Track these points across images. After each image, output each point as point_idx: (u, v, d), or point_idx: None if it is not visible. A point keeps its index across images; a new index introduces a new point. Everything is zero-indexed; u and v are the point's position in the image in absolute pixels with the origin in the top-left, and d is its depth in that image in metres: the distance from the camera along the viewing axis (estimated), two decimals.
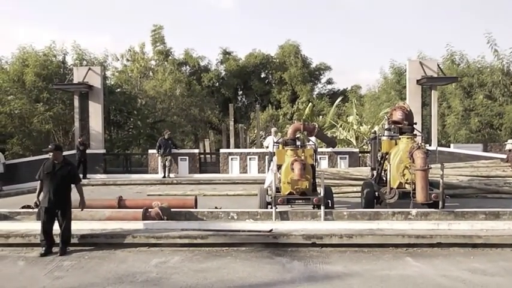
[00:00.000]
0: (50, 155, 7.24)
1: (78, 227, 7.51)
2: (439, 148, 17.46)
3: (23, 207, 9.83)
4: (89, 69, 19.77)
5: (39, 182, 7.16)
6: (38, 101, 22.59)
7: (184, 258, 6.67)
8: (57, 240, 7.06)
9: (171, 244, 7.24)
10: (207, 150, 24.08)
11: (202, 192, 12.91)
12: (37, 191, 7.23)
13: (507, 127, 22.32)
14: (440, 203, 9.05)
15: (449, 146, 20.11)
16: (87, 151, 17.71)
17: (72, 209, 7.33)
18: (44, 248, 6.91)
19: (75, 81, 19.53)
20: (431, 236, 7.38)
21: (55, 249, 6.98)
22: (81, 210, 7.55)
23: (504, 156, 15.69)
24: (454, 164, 14.52)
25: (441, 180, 9.25)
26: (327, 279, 5.73)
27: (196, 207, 9.44)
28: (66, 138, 23.37)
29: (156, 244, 7.25)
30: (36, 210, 8.25)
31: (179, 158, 17.86)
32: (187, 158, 18.49)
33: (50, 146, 7.43)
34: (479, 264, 6.37)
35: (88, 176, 16.51)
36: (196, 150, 21.56)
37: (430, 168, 9.16)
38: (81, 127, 19.70)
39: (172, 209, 8.90)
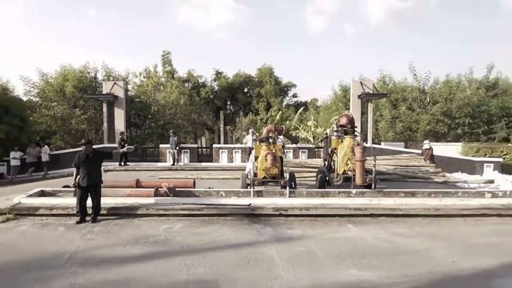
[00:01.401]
0: (83, 148, 7.09)
1: (105, 201, 7.38)
2: (373, 145, 17.72)
3: (63, 187, 9.58)
4: (115, 83, 19.36)
5: (75, 168, 7.01)
6: (76, 106, 22.20)
7: (185, 225, 6.63)
8: (89, 211, 6.96)
9: (175, 214, 7.18)
10: (204, 145, 23.96)
11: (199, 176, 12.81)
12: (74, 175, 7.07)
13: (421, 130, 22.79)
14: (373, 185, 9.20)
15: (380, 144, 20.42)
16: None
17: (101, 188, 7.24)
18: (79, 217, 6.80)
19: (104, 92, 19.13)
20: (366, 208, 7.52)
21: (87, 218, 6.86)
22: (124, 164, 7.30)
23: (420, 151, 16.06)
24: (383, 156, 14.76)
25: (374, 169, 9.41)
26: (290, 240, 5.80)
27: (194, 187, 9.36)
28: (97, 135, 22.89)
29: (164, 214, 7.19)
30: (73, 189, 8.08)
31: (183, 151, 17.68)
32: (188, 151, 18.33)
33: (83, 141, 7.31)
34: (400, 229, 6.51)
35: (112, 164, 16.15)
36: (195, 145, 21.47)
37: (366, 159, 9.29)
38: (108, 127, 19.31)
39: (176, 189, 8.82)
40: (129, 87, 27.05)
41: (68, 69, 22.96)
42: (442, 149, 18.38)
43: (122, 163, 16.17)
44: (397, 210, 7.48)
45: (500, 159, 16.62)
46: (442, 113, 22.44)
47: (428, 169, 13.79)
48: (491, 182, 13.01)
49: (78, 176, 6.92)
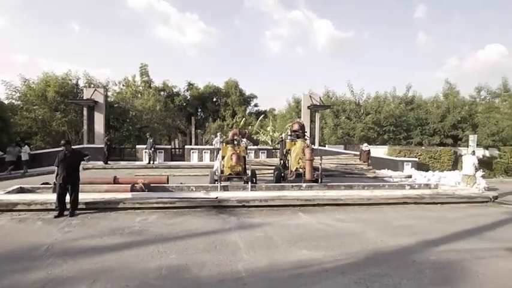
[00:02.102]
0: (63, 148, 6.53)
1: (83, 197, 6.85)
2: (319, 147, 18.28)
3: (42, 184, 8.79)
4: (95, 90, 18.19)
5: (56, 167, 6.44)
6: (57, 110, 20.50)
7: (159, 216, 6.35)
8: (68, 206, 6.41)
9: (150, 208, 6.84)
10: (177, 146, 23.23)
11: (172, 173, 12.39)
12: (55, 173, 6.47)
13: (357, 136, 23.79)
14: (319, 180, 9.47)
15: (325, 146, 21.11)
16: (93, 146, 16.26)
17: (80, 185, 6.70)
18: (57, 212, 6.23)
19: (84, 98, 17.89)
20: (313, 199, 7.67)
21: (65, 213, 6.31)
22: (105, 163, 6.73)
23: (357, 153, 16.81)
24: (328, 156, 15.28)
25: (320, 166, 9.69)
26: (251, 227, 5.76)
27: (168, 183, 9.03)
28: (77, 136, 21.27)
29: (139, 208, 6.81)
30: (52, 186, 7.42)
31: (158, 151, 17.02)
32: (163, 151, 17.70)
33: (62, 141, 6.72)
34: (341, 216, 6.73)
35: (92, 163, 15.09)
36: (169, 146, 20.81)
37: (314, 159, 9.55)
38: (88, 129, 18.06)
39: (151, 184, 8.45)
40: (109, 94, 25.55)
41: (51, 76, 21.21)
42: (373, 151, 19.40)
43: (105, 162, 15.26)
44: (339, 200, 7.72)
45: (416, 159, 17.93)
46: (373, 122, 23.65)
47: (362, 166, 14.48)
48: (410, 176, 13.97)
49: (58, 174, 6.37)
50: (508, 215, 7.22)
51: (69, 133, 21.16)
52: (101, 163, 15.26)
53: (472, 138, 17.67)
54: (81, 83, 22.75)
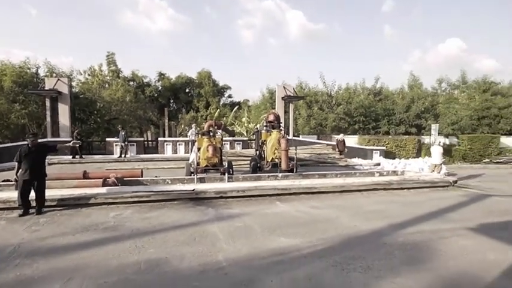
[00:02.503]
0: (28, 141, 6.05)
1: (51, 193, 6.47)
2: (294, 137, 18.60)
3: (3, 181, 8.17)
4: (58, 79, 16.98)
5: (16, 162, 5.99)
6: (15, 101, 18.93)
7: (134, 211, 6.17)
8: (33, 204, 6.02)
9: (124, 202, 6.63)
10: (149, 139, 22.53)
11: (146, 167, 12.03)
12: (16, 169, 6.04)
13: (329, 126, 24.40)
14: (295, 169, 9.68)
15: (299, 136, 21.48)
16: (56, 139, 15.32)
17: (46, 181, 6.30)
18: (22, 210, 5.84)
19: (46, 88, 16.64)
20: (290, 188, 7.84)
21: (31, 211, 5.94)
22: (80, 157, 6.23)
23: (330, 143, 17.29)
24: (302, 146, 15.62)
25: (295, 156, 9.90)
26: (229, 217, 5.78)
27: (142, 177, 8.77)
28: (39, 130, 19.88)
29: (113, 203, 6.58)
30: (14, 183, 6.92)
31: (129, 144, 16.40)
32: (135, 144, 17.10)
33: (29, 135, 6.22)
34: (316, 203, 6.95)
35: (58, 157, 14.23)
36: (142, 139, 20.13)
37: (289, 149, 9.72)
38: (52, 122, 16.92)
39: (124, 178, 8.16)
40: (74, 84, 23.97)
41: (6, 64, 19.48)
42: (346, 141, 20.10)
43: (78, 156, 14.51)
44: (313, 189, 7.95)
45: (384, 148, 18.85)
46: (344, 112, 24.36)
47: (335, 156, 14.97)
48: (378, 164, 14.66)
49: (20, 170, 5.94)
50: (467, 197, 7.87)
51: (31, 126, 19.73)
52: (67, 157, 14.46)
53: (434, 127, 18.87)
54: (41, 72, 21.19)
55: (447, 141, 22.41)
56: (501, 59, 62.50)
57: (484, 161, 18.91)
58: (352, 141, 20.62)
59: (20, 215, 5.75)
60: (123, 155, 15.11)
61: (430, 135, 19.65)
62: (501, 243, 4.51)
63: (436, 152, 11.13)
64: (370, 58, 75.70)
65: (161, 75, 35.35)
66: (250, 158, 11.66)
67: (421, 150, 20.41)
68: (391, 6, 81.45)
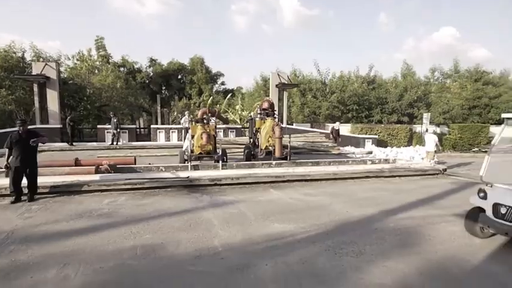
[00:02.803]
0: (18, 128, 5.91)
1: (42, 180, 6.41)
2: (288, 125, 18.62)
3: None
4: (46, 64, 16.46)
5: (7, 149, 5.87)
6: (1, 87, 18.34)
7: (128, 198, 6.18)
8: (25, 191, 5.96)
9: (118, 189, 6.63)
10: (141, 126, 22.29)
11: (138, 154, 11.92)
12: (6, 156, 5.92)
13: (322, 114, 24.45)
14: (288, 157, 9.75)
15: (292, 124, 21.51)
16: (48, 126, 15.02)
17: (38, 168, 6.21)
18: (14, 197, 5.78)
19: (34, 73, 16.13)
20: (283, 176, 7.93)
21: (23, 198, 5.89)
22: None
23: (323, 131, 17.36)
24: (295, 134, 15.67)
25: (289, 144, 9.95)
26: (224, 204, 5.84)
27: (135, 164, 8.73)
28: (27, 116, 19.40)
29: (107, 190, 6.57)
30: (5, 170, 6.80)
31: (121, 131, 16.19)
32: (127, 131, 16.87)
33: (18, 121, 6.06)
34: (309, 190, 7.06)
35: (47, 144, 13.95)
36: (134, 126, 19.86)
37: (283, 137, 9.76)
38: (40, 108, 16.52)
39: (117, 166, 8.11)
40: (62, 69, 23.32)
41: None
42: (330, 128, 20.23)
43: (70, 143, 14.32)
44: (307, 176, 8.06)
45: (376, 136, 19.05)
46: (338, 101, 24.39)
47: (328, 144, 15.10)
48: (370, 152, 14.85)
49: (11, 157, 5.84)
50: (455, 185, 8.09)
51: (18, 112, 19.25)
52: (58, 144, 14.23)
53: (426, 116, 19.10)
54: (27, 57, 20.53)
55: (438, 130, 22.75)
56: (493, 48, 63.02)
57: (473, 150, 19.34)
58: (345, 129, 20.73)
59: (12, 202, 5.70)
60: (115, 143, 14.94)
61: (422, 124, 19.91)
62: None
63: (431, 139, 11.26)
64: (365, 46, 75.43)
65: (152, 61, 34.71)
66: (244, 146, 11.66)
67: (412, 139, 20.69)
68: None
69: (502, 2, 65.69)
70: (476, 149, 19.43)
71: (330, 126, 20.69)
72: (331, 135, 16.19)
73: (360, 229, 4.57)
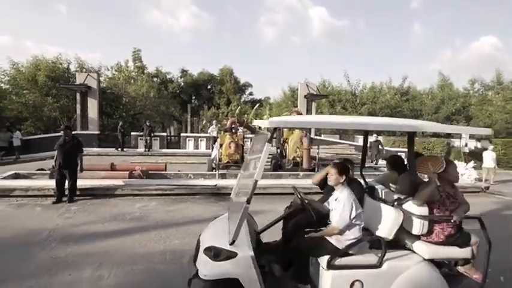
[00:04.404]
0: (62, 133, 6.43)
1: (81, 183, 6.82)
2: (316, 137, 18.41)
3: (38, 170, 8.71)
4: (88, 74, 17.82)
5: (56, 151, 6.34)
6: (48, 95, 20.10)
7: (159, 203, 6.39)
8: (66, 193, 6.38)
9: (149, 194, 6.89)
10: (172, 134, 23.16)
11: (169, 161, 12.35)
12: (54, 159, 6.40)
13: None
14: (316, 168, 9.59)
15: (321, 136, 21.23)
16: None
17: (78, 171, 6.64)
18: (56, 198, 6.21)
19: (77, 83, 17.52)
20: (311, 188, 7.73)
21: (64, 199, 6.29)
22: (81, 172, 6.62)
23: (353, 143, 16.87)
24: (323, 146, 15.43)
25: (317, 156, 9.81)
26: (251, 214, 5.83)
27: (166, 170, 9.05)
28: (69, 122, 20.95)
29: (139, 194, 6.86)
30: (48, 172, 7.36)
31: (153, 138, 16.92)
32: (158, 138, 17.61)
33: (62, 126, 6.59)
34: None
35: (86, 149, 14.85)
36: (164, 134, 20.68)
37: (311, 148, 9.66)
38: (81, 115, 17.77)
39: (149, 172, 8.46)
40: (101, 79, 25.07)
41: (40, 59, 20.68)
42: (369, 142, 19.62)
43: (119, 149, 15.71)
44: None
45: None
46: (368, 112, 23.83)
47: (357, 156, 14.65)
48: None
49: (55, 159, 6.31)
50: (499, 205, 7.47)
51: (61, 119, 20.84)
52: (96, 149, 15.17)
53: None
54: (72, 67, 22.31)
55: (479, 145, 21.30)
56: None
57: None
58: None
59: (54, 202, 6.12)
60: (147, 149, 15.63)
61: (461, 139, 18.77)
62: None
63: (489, 156, 11.36)
64: (398, 57, 73.11)
65: (183, 72, 36.19)
66: (271, 156, 11.67)
67: (449, 154, 19.52)
68: (420, 3, 78.20)
69: None
70: None
71: (359, 138, 20.08)
72: (370, 150, 13.60)
73: None
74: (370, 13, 75.36)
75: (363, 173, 3.69)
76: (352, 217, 2.45)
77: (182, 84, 35.72)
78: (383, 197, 3.17)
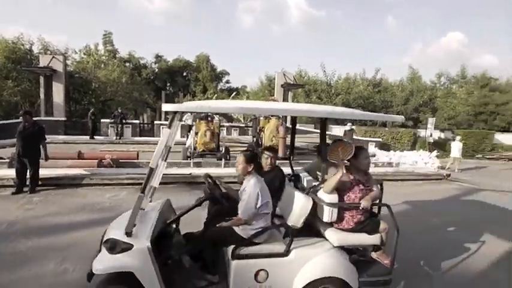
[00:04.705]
0: (21, 118, 5.91)
1: (44, 172, 6.38)
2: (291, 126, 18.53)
3: None
4: (53, 57, 16.53)
5: (16, 139, 5.83)
6: (8, 78, 18.48)
7: (130, 193, 6.15)
8: (27, 182, 5.95)
9: (120, 184, 6.61)
10: (145, 122, 22.41)
11: (141, 149, 11.91)
12: (15, 147, 5.90)
13: None
14: (292, 157, 9.67)
15: (296, 125, 21.46)
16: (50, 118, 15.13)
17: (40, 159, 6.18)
18: (16, 188, 5.77)
19: (41, 65, 16.24)
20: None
21: (25, 189, 5.86)
22: (45, 161, 6.13)
23: (329, 132, 17.19)
24: (299, 135, 15.58)
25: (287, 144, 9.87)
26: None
27: (138, 159, 8.72)
28: (32, 108, 19.51)
29: (109, 184, 6.56)
30: (7, 160, 6.83)
31: (124, 126, 16.21)
32: (130, 126, 16.90)
33: (21, 112, 6.06)
34: None
35: (50, 136, 13.93)
36: (137, 121, 19.92)
37: (287, 137, 9.69)
38: (45, 100, 16.58)
39: (120, 160, 8.10)
40: (68, 62, 23.48)
41: None
42: (342, 131, 20.13)
43: (90, 136, 14.73)
44: None
45: (380, 139, 18.92)
46: (343, 103, 24.31)
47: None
48: (374, 155, 14.71)
49: (15, 147, 5.84)
50: (459, 191, 7.99)
51: (23, 104, 19.37)
52: (61, 137, 14.29)
53: (431, 121, 18.94)
54: (35, 49, 20.70)
55: (442, 135, 22.58)
56: (501, 55, 62.34)
57: (476, 156, 19.15)
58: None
59: (13, 193, 5.69)
60: (118, 137, 14.99)
61: (426, 129, 19.75)
62: (490, 236, 4.60)
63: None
64: (372, 49, 74.92)
65: (158, 58, 34.80)
66: (247, 145, 11.62)
67: (416, 143, 20.54)
68: None
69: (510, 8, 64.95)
70: (480, 155, 19.24)
71: (334, 128, 20.51)
72: (344, 139, 15.39)
73: None
74: (347, 4, 76.25)
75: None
76: (258, 206, 2.41)
77: (156, 70, 34.39)
78: (305, 185, 3.18)
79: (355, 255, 2.63)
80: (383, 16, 78.41)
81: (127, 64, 31.17)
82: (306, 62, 66.63)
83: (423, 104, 24.04)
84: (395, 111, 24.29)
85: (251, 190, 2.44)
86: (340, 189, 2.59)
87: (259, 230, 2.42)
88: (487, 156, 18.89)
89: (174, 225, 2.69)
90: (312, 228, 2.68)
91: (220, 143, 9.75)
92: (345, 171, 2.49)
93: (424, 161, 12.94)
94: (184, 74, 36.40)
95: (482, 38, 66.69)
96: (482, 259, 3.81)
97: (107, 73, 24.92)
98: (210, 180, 2.99)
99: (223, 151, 9.00)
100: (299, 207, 2.54)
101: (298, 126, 20.03)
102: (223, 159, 8.79)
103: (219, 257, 2.53)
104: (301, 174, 3.39)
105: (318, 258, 2.41)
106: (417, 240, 4.24)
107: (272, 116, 10.29)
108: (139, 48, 69.92)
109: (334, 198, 2.53)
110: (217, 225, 2.64)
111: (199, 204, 2.57)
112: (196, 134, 9.38)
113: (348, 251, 2.60)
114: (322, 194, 2.57)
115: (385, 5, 77.60)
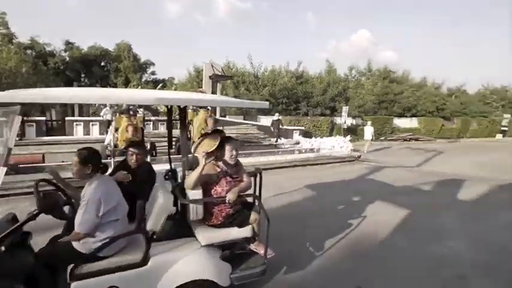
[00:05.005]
0: None
1: None
2: (221, 117, 18.45)
3: None
4: None
5: None
6: None
7: (32, 204, 5.26)
8: None
9: (19, 194, 5.59)
10: (53, 118, 19.46)
11: (49, 150, 10.35)
12: None
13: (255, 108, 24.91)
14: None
15: (225, 116, 21.45)
16: None
17: None
18: None
19: None
20: None
21: None
22: None
23: (255, 123, 17.68)
24: (229, 126, 15.65)
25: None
26: None
27: (44, 163, 7.54)
28: None
29: (3, 195, 5.47)
30: None
31: (26, 124, 13.78)
32: (34, 124, 14.46)
33: None
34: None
35: None
36: (43, 118, 17.14)
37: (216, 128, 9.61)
38: None
39: (20, 166, 6.88)
40: None
41: None
42: (269, 121, 20.97)
43: None
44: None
45: (303, 128, 20.39)
46: (269, 94, 25.23)
47: (259, 135, 15.53)
48: (298, 143, 15.79)
49: None
50: (368, 170, 9.19)
51: None
52: None
53: (345, 110, 21.18)
54: None
55: (354, 122, 25.51)
56: (400, 52, 73.01)
57: (380, 138, 22.30)
58: None
59: None
60: (17, 138, 12.69)
61: (341, 117, 22.05)
62: (392, 205, 5.44)
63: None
64: (295, 42, 79.23)
65: (69, 44, 30.35)
66: (176, 138, 11.14)
67: (333, 130, 22.77)
68: None
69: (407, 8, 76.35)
70: (383, 138, 22.45)
71: (262, 118, 21.15)
72: (272, 128, 16.09)
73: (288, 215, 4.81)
74: None
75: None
76: (100, 214, 2.08)
77: (67, 59, 29.96)
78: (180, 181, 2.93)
79: (228, 250, 2.51)
80: (304, 11, 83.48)
81: (28, 51, 26.38)
82: (234, 53, 66.76)
83: (338, 94, 26.65)
84: (315, 101, 26.36)
85: (90, 197, 2.09)
86: (208, 182, 2.48)
87: (106, 241, 2.08)
88: (389, 138, 22.17)
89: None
90: (183, 228, 2.51)
91: (144, 138, 9.10)
92: (208, 163, 2.36)
93: (340, 145, 14.45)
94: (102, 63, 32.64)
95: (386, 36, 77.01)
96: (382, 227, 4.47)
97: (2, 61, 20.65)
98: (49, 185, 2.50)
99: (148, 147, 8.43)
100: (157, 207, 2.31)
101: (227, 118, 20.12)
102: (149, 156, 8.24)
103: (59, 280, 2.09)
104: (178, 170, 3.07)
105: (181, 261, 2.20)
106: (329, 219, 4.73)
107: (201, 107, 10.05)
108: (45, 35, 59.35)
109: (197, 194, 2.37)
110: (58, 240, 2.23)
111: (29, 221, 2.07)
112: (117, 130, 8.55)
113: (223, 246, 2.46)
114: (188, 191, 2.40)
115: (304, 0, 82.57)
